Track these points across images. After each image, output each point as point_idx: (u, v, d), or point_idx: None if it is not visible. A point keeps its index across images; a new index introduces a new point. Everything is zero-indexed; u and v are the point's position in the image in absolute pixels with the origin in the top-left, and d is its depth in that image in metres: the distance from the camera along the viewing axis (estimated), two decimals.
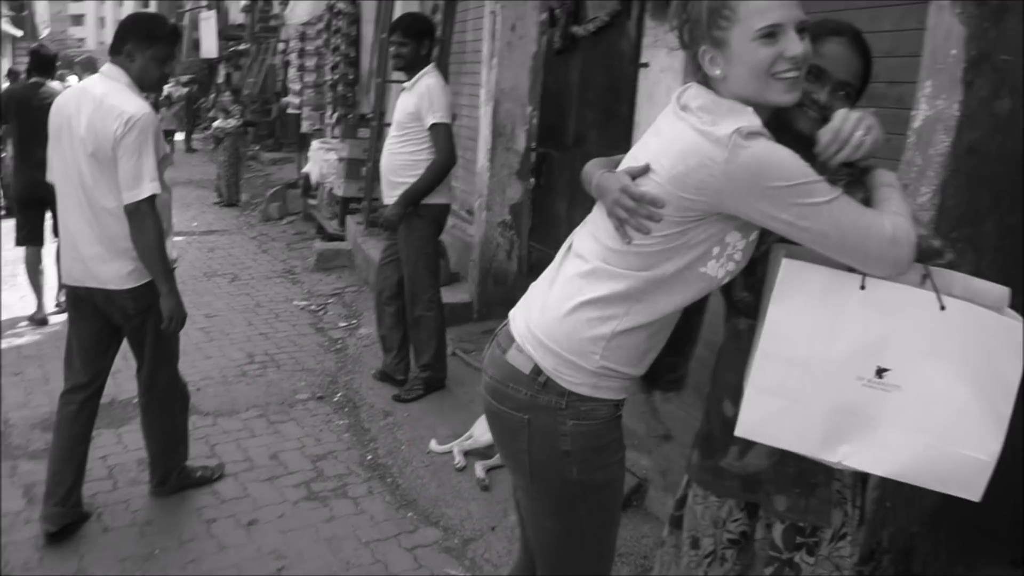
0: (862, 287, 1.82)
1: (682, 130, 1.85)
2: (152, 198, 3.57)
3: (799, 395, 1.85)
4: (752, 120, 1.80)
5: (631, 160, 2.00)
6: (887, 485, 3.07)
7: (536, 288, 2.20)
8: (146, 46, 3.67)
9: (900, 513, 3.20)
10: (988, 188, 3.00)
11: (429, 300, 5.40)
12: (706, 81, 1.92)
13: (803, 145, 1.86)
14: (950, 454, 1.82)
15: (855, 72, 2.03)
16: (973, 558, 3.48)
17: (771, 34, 1.80)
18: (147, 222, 3.57)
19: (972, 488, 1.85)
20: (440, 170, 5.16)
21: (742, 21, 1.81)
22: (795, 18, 1.81)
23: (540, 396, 2.08)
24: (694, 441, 2.35)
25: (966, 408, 1.80)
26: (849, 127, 1.79)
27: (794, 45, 1.80)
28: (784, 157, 1.76)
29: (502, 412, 2.17)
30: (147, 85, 3.74)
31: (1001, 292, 1.89)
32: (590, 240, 2.05)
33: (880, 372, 1.82)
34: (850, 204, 1.79)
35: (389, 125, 5.67)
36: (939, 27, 2.88)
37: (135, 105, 3.56)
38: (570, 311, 2.03)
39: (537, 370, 2.08)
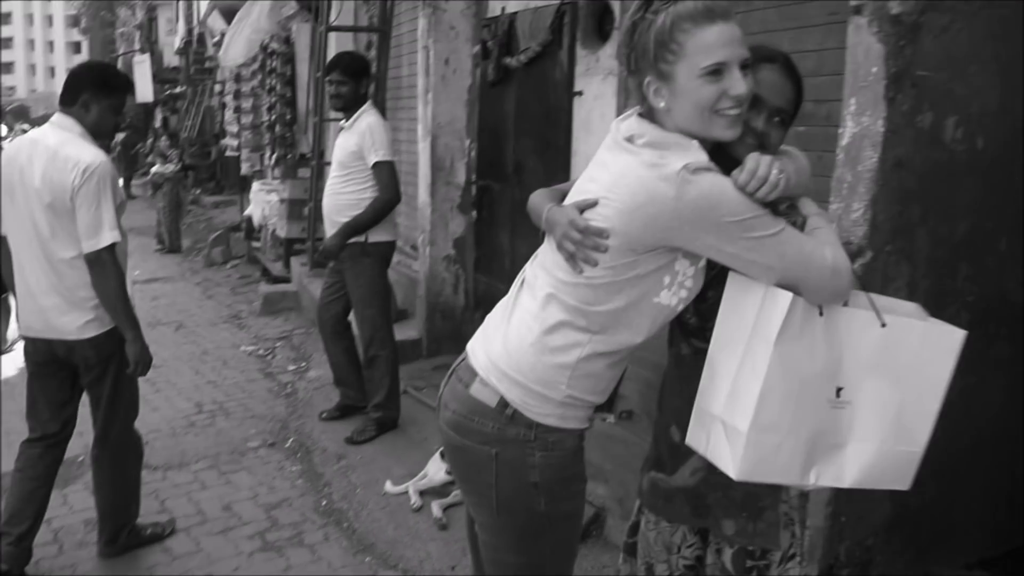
0: (820, 314, 1.86)
1: (630, 165, 1.87)
2: (113, 246, 3.58)
3: (790, 428, 1.88)
4: (699, 155, 1.83)
5: (578, 193, 2.01)
6: (840, 500, 3.11)
7: (493, 321, 2.21)
8: (103, 96, 3.69)
9: (855, 527, 3.23)
10: (917, 201, 3.07)
11: (383, 339, 5.39)
12: (650, 111, 1.94)
13: None
14: (892, 453, 1.95)
15: (788, 98, 2.06)
16: (929, 565, 3.53)
17: (716, 72, 1.82)
18: (108, 270, 3.59)
19: (905, 479, 1.99)
20: (384, 207, 5.17)
21: (688, 57, 1.82)
22: (740, 56, 1.84)
23: (508, 429, 2.08)
24: (643, 466, 2.36)
25: (902, 410, 1.92)
26: (764, 170, 1.80)
27: (738, 84, 1.83)
28: (732, 192, 1.79)
29: (466, 446, 2.16)
30: (102, 134, 3.76)
31: (913, 307, 2.00)
32: (543, 272, 2.07)
33: (838, 392, 1.89)
34: (794, 235, 1.83)
35: (329, 164, 5.65)
36: (859, 46, 2.94)
37: (91, 154, 3.57)
38: (533, 342, 2.04)
39: (504, 403, 2.07)
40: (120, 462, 4.00)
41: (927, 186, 3.07)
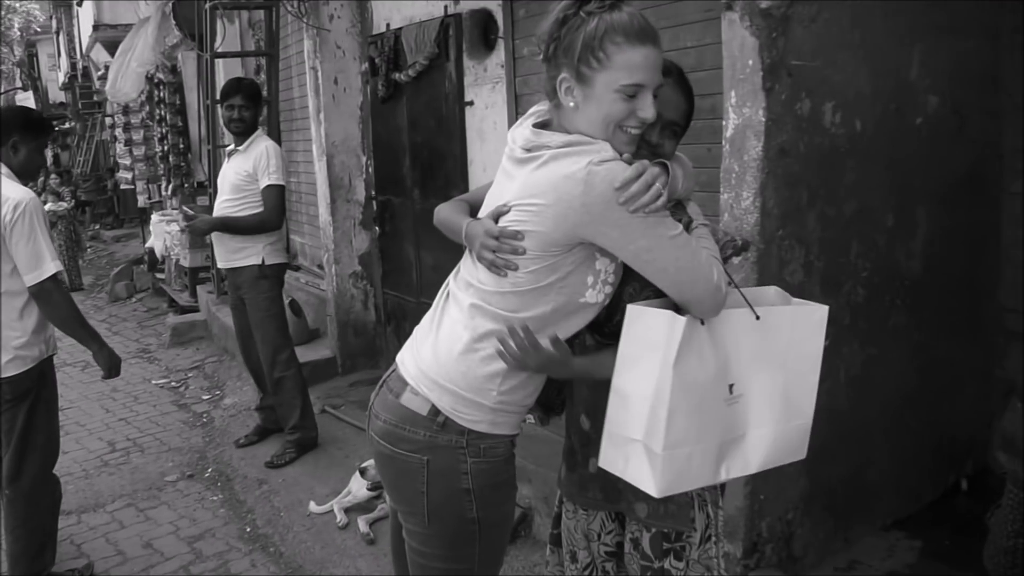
0: (702, 323, 1.92)
1: (536, 169, 1.91)
2: (56, 275, 3.64)
3: (699, 437, 1.94)
4: (606, 152, 1.86)
5: (491, 206, 2.05)
6: (757, 480, 3.18)
7: (421, 332, 2.22)
8: (31, 138, 3.81)
9: (774, 503, 3.33)
10: (804, 185, 3.16)
11: (286, 360, 5.37)
12: (555, 113, 1.98)
13: None
14: (786, 430, 2.08)
15: (682, 112, 2.12)
16: (848, 531, 3.66)
17: (633, 92, 1.86)
18: (55, 298, 3.68)
19: (801, 450, 2.13)
20: (262, 224, 5.17)
21: (612, 70, 1.85)
22: (656, 82, 1.89)
23: (439, 436, 2.09)
24: (562, 456, 2.41)
25: (787, 389, 2.06)
26: (648, 178, 1.82)
27: (648, 109, 1.88)
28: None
29: (397, 455, 2.16)
30: (29, 173, 3.87)
31: (774, 290, 2.13)
32: (466, 285, 2.09)
33: (731, 388, 1.97)
34: (689, 244, 1.89)
35: None
36: (733, 40, 3.02)
37: (20, 192, 3.64)
38: (463, 351, 2.05)
39: (435, 411, 2.09)
40: (34, 503, 3.90)
41: (812, 170, 3.17)
